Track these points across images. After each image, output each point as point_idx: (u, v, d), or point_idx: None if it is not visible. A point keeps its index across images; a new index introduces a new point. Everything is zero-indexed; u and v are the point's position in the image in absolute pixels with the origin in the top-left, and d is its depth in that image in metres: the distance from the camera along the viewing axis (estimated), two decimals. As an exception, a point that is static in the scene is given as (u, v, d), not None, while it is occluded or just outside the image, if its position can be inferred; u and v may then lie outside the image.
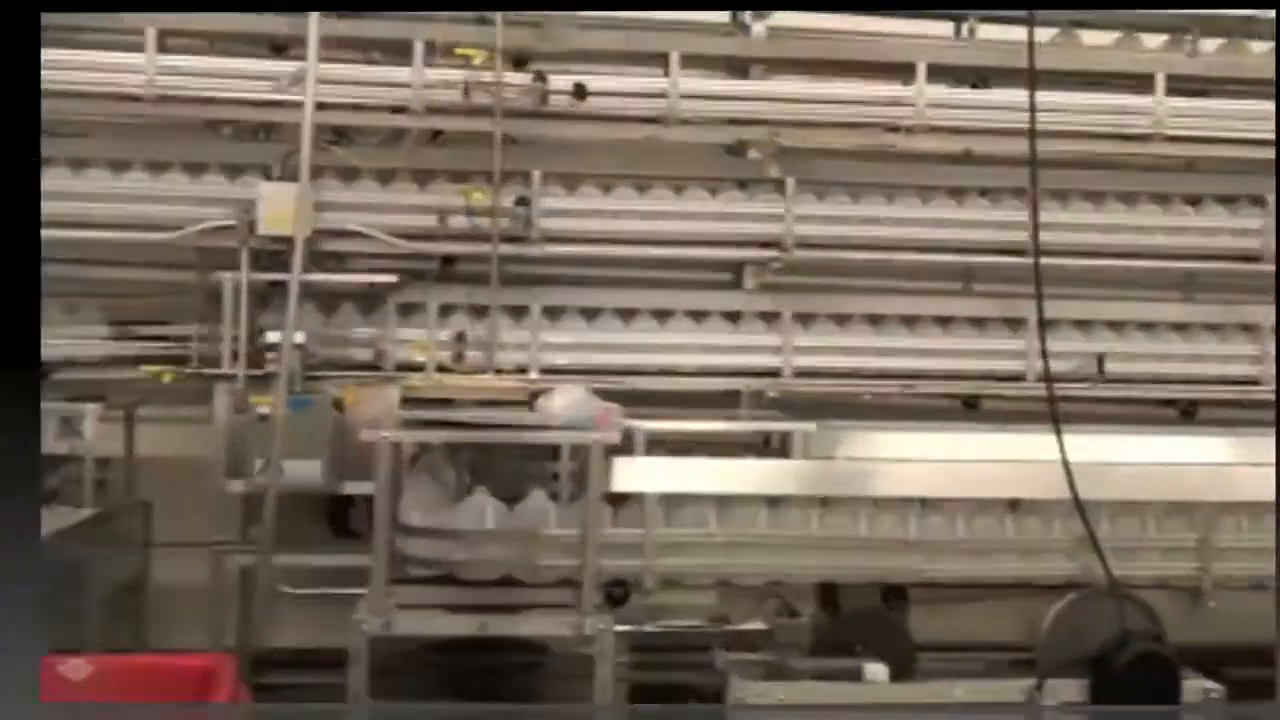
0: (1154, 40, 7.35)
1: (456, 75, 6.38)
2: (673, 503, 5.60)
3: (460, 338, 6.48)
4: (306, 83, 6.12)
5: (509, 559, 5.38)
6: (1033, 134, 5.84)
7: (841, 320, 6.95)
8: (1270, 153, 6.92)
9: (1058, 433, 5.66)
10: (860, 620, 5.71)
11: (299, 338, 6.04)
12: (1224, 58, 7.33)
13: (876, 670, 5.41)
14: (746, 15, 6.89)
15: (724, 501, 5.64)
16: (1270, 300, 7.06)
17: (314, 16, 6.07)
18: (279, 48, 6.56)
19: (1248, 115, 7.00)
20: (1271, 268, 6.96)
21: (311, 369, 6.21)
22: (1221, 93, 7.16)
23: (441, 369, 6.43)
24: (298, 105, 6.16)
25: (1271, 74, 7.12)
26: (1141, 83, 6.98)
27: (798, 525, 5.66)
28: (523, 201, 6.50)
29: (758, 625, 5.64)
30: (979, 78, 7.06)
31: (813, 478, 5.74)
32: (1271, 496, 5.82)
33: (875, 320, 6.98)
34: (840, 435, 5.94)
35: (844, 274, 7.04)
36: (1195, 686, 5.51)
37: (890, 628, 5.65)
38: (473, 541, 5.36)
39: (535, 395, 5.74)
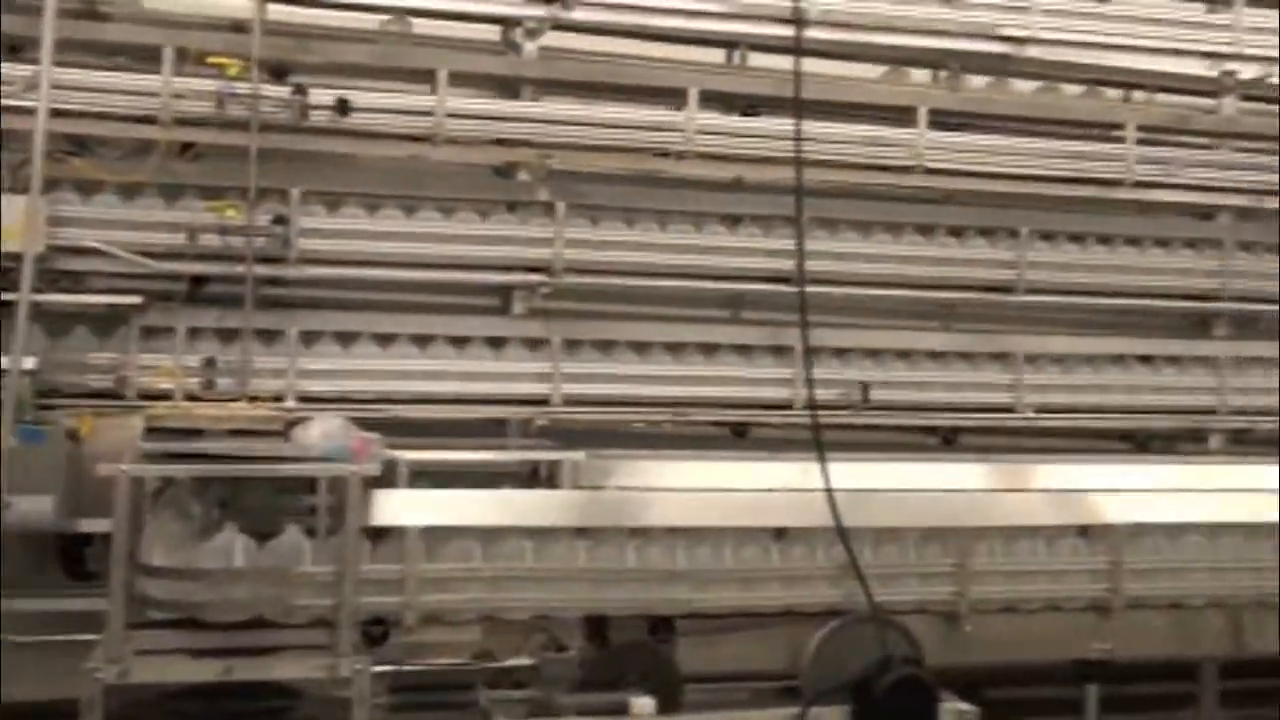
0: (919, 75, 7.57)
1: (210, 86, 6.06)
2: (436, 536, 5.40)
3: (210, 363, 6.12)
4: (40, 87, 5.70)
5: (259, 599, 5.09)
6: (799, 162, 5.88)
7: (611, 347, 6.86)
8: (1017, 186, 7.24)
9: (822, 460, 5.70)
10: (628, 653, 5.61)
11: (29, 363, 5.60)
12: (984, 94, 7.59)
13: (644, 703, 5.33)
14: (518, 34, 6.78)
15: (490, 534, 5.47)
16: (1024, 330, 7.34)
17: (49, 16, 5.66)
18: (14, 49, 6.11)
19: (1005, 150, 7.26)
20: (1026, 298, 7.22)
21: (44, 396, 5.77)
22: (982, 128, 7.39)
23: (190, 397, 6.06)
24: (31, 112, 5.74)
25: (1031, 112, 7.43)
26: (905, 115, 7.16)
27: (566, 557, 5.53)
28: (280, 220, 6.20)
29: (523, 661, 5.48)
30: (749, 106, 7.12)
31: (581, 508, 5.63)
32: (1022, 521, 6.02)
33: (645, 347, 6.91)
34: (609, 465, 5.86)
35: (615, 300, 6.97)
36: (952, 709, 5.60)
37: (658, 660, 5.57)
38: (219, 581, 5.05)
39: (291, 424, 5.45)
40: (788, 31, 6.95)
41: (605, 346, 6.84)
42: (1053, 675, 6.17)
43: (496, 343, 6.62)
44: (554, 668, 5.49)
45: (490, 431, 6.49)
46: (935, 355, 7.28)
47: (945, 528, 5.89)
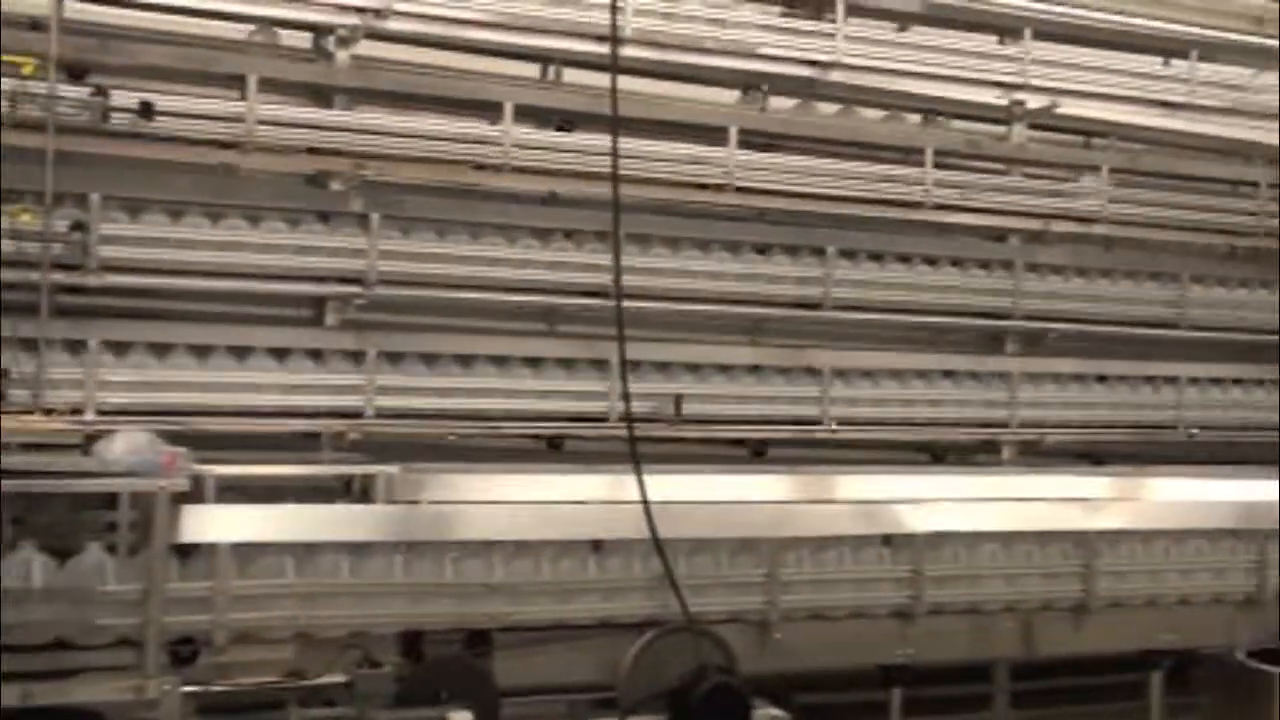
0: (729, 95, 7.75)
1: (3, 85, 5.79)
2: (247, 552, 5.26)
3: (3, 374, 5.83)
4: None
5: (59, 619, 4.88)
6: (615, 179, 5.95)
7: (426, 360, 6.80)
8: (823, 206, 7.48)
9: (639, 473, 5.77)
10: (444, 668, 5.56)
11: None
12: (791, 116, 7.82)
13: (461, 718, 5.30)
14: (330, 42, 6.68)
15: (303, 549, 5.36)
16: (829, 345, 7.57)
17: None
18: None
19: (811, 171, 7.49)
20: (831, 314, 7.45)
21: None
22: (789, 149, 7.60)
23: (-21, 409, 5.76)
24: None
25: (836, 134, 7.66)
26: (717, 135, 7.32)
27: (381, 572, 5.46)
28: (79, 226, 5.96)
29: (337, 678, 5.38)
30: (565, 121, 7.17)
31: (396, 522, 5.58)
32: (829, 531, 6.21)
33: (460, 360, 6.86)
34: (424, 478, 5.82)
35: (429, 313, 6.92)
36: (764, 715, 5.74)
37: (475, 674, 5.55)
38: (16, 602, 4.81)
39: (92, 438, 5.24)
40: (603, 49, 7.08)
41: (419, 359, 6.78)
42: (859, 680, 6.36)
43: (313, 355, 6.48)
44: (368, 684, 5.40)
45: (304, 446, 6.35)
46: (745, 369, 7.44)
47: (756, 538, 6.03)
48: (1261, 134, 8.64)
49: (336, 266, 6.50)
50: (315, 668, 5.34)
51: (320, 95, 6.75)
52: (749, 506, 6.17)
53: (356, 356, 6.54)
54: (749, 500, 6.25)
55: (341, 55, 6.69)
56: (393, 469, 5.72)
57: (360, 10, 6.61)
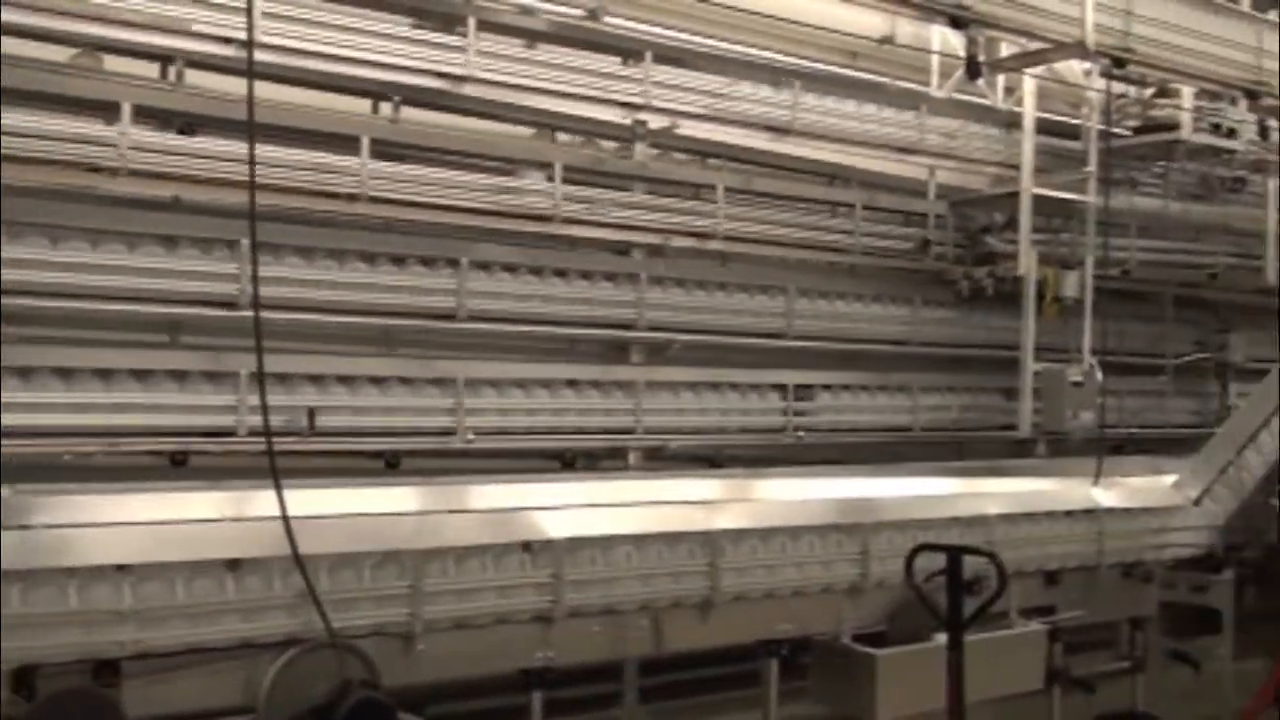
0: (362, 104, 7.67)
1: None
2: None
3: None
4: None
5: None
6: (253, 186, 5.76)
7: (33, 374, 6.36)
8: (456, 218, 7.53)
9: (278, 488, 5.61)
10: (63, 702, 5.21)
11: None
12: (422, 128, 7.82)
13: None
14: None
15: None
16: (463, 356, 7.62)
17: None
18: None
19: (444, 182, 7.52)
20: (465, 325, 7.51)
21: None
22: (421, 160, 7.60)
23: None
24: None
25: (470, 147, 7.71)
26: (349, 144, 7.23)
27: (-8, 604, 5.05)
28: None
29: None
30: (187, 124, 6.89)
31: (12, 549, 5.16)
32: (470, 540, 6.24)
33: (73, 374, 6.47)
34: (36, 500, 5.43)
35: (37, 323, 6.47)
36: (408, 728, 5.72)
37: (99, 706, 5.22)
38: None
39: None
40: (227, 51, 6.86)
41: (26, 374, 6.33)
42: (502, 685, 6.44)
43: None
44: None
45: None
46: (378, 381, 7.38)
47: (399, 550, 5.98)
48: (857, 159, 9.40)
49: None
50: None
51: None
52: (391, 519, 6.12)
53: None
54: (390, 512, 6.19)
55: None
56: (3, 491, 5.31)
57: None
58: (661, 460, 8.35)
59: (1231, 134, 10.01)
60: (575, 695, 7.13)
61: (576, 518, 6.57)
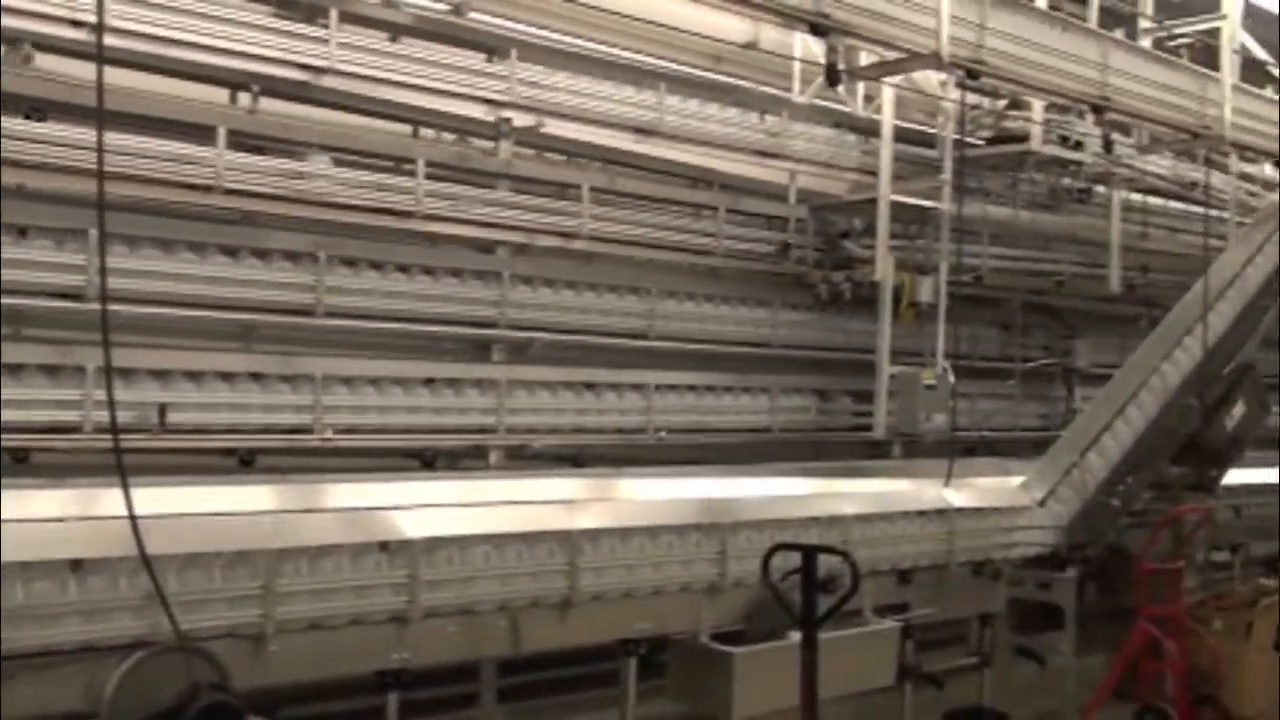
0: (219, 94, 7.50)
1: None
2: None
3: None
4: None
5: None
6: (101, 174, 5.57)
7: None
8: (318, 212, 7.39)
9: (124, 486, 5.44)
10: (-106, 708, 5.00)
11: None
12: (281, 119, 7.68)
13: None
14: None
15: None
16: (323, 353, 7.50)
17: None
18: None
19: (304, 175, 7.40)
20: (325, 322, 7.39)
21: None
22: (283, 152, 7.46)
23: None
24: None
25: (330, 140, 7.60)
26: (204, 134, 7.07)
27: None
28: None
29: None
30: (34, 109, 6.66)
31: None
32: (326, 540, 6.13)
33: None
34: None
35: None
36: (262, 731, 5.60)
37: (-68, 712, 5.02)
38: None
39: None
40: (76, 34, 6.65)
41: None
42: (358, 687, 6.34)
43: None
44: None
45: None
46: (234, 376, 7.23)
47: (252, 550, 5.85)
48: (720, 162, 9.49)
49: None
50: None
51: None
52: (244, 518, 5.98)
53: None
54: (243, 511, 6.05)
55: None
56: None
57: None
58: (524, 460, 8.33)
59: (1078, 146, 10.36)
60: (432, 696, 7.07)
61: (434, 517, 6.50)
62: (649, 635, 7.07)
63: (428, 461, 8.01)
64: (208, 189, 7.05)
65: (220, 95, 7.59)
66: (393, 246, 7.80)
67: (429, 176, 7.97)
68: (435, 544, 6.37)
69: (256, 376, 7.30)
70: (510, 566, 6.60)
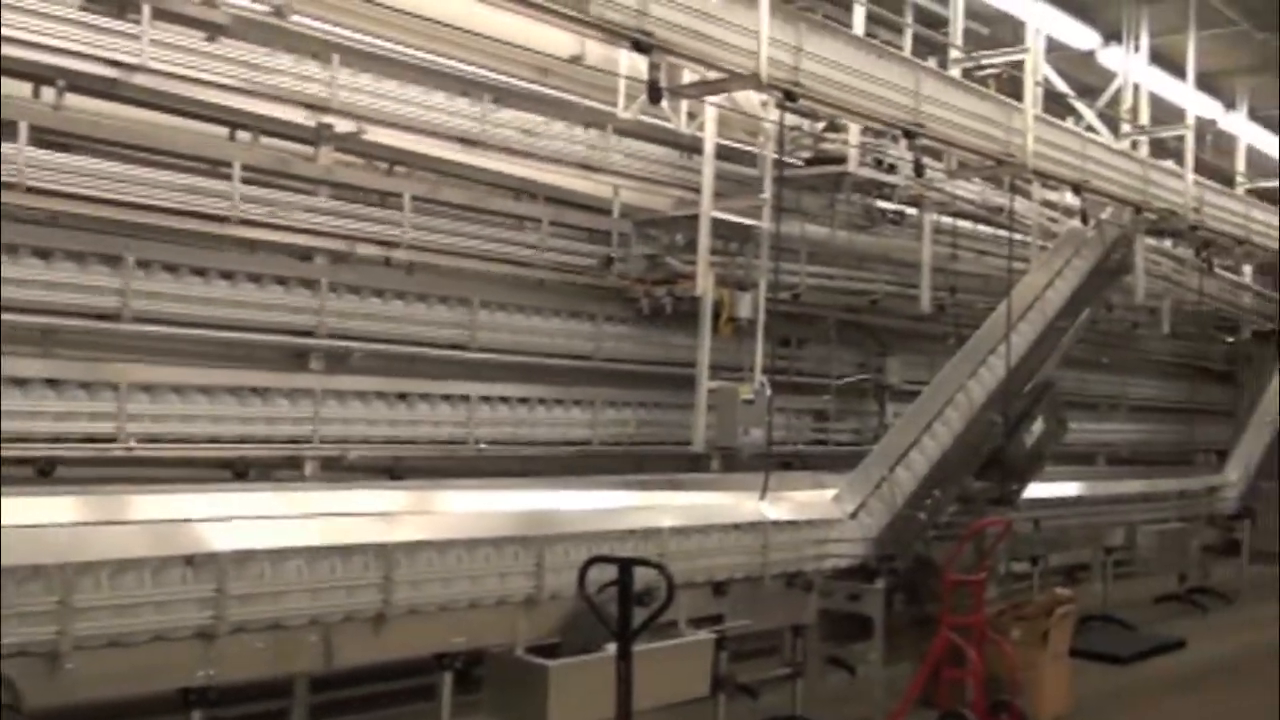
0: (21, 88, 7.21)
1: None
2: None
3: None
4: None
5: None
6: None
7: None
8: (126, 214, 7.14)
9: (-93, 498, 5.18)
10: None
11: None
12: (89, 117, 7.41)
13: None
14: None
15: None
16: (129, 359, 7.25)
17: None
18: None
19: (113, 176, 7.16)
20: (133, 327, 7.15)
21: None
22: (87, 150, 7.20)
23: None
24: None
25: (140, 140, 7.36)
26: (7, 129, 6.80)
27: None
28: None
29: None
30: None
31: None
32: (128, 553, 5.92)
33: None
34: None
35: None
36: (54, 753, 5.37)
37: None
38: None
39: None
40: None
41: None
42: (161, 705, 6.13)
43: None
44: None
45: None
46: (31, 383, 6.93)
47: (47, 564, 5.62)
48: (545, 175, 9.50)
49: None
50: None
51: None
52: (40, 530, 5.73)
53: None
54: (39, 524, 5.80)
55: None
56: None
57: None
58: (340, 470, 8.18)
59: (892, 170, 10.68)
60: (240, 714, 6.88)
61: (244, 529, 6.34)
62: (465, 649, 7.02)
63: (240, 472, 7.81)
64: (10, 186, 6.75)
65: (23, 90, 7.28)
66: (207, 252, 7.59)
67: (246, 181, 7.78)
68: (244, 557, 6.21)
69: (50, 383, 7.01)
70: (323, 580, 6.47)
